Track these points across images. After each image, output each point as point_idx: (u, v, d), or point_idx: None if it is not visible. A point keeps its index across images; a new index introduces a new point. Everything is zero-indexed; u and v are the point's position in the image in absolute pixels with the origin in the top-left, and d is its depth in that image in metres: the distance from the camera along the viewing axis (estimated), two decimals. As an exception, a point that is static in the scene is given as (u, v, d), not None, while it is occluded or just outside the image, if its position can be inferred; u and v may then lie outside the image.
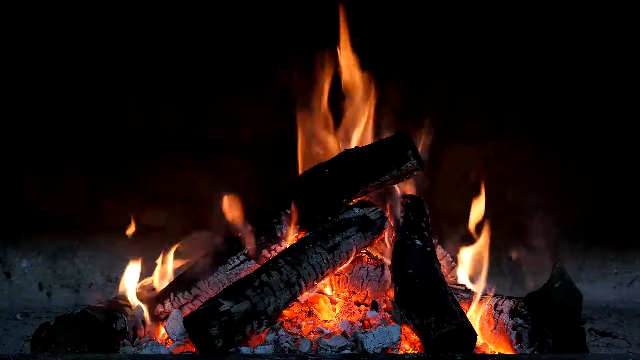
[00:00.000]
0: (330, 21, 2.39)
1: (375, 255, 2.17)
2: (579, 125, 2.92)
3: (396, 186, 2.27)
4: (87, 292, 2.93)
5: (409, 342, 1.84)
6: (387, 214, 2.19)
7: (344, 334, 1.85)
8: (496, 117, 2.93)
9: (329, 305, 2.08)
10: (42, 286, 2.93)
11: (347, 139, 2.33)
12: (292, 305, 1.95)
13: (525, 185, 2.85)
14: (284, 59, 2.58)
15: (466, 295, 2.04)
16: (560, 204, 2.86)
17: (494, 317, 1.88)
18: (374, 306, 2.05)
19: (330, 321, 2.02)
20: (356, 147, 2.15)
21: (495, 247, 2.21)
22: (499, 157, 2.94)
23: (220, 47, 2.82)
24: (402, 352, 1.78)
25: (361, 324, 1.95)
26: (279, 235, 2.08)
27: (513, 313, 1.81)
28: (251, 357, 1.71)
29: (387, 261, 2.12)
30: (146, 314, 2.01)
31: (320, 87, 2.39)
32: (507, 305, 1.86)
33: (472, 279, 2.17)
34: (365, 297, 2.10)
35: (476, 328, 1.84)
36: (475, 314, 1.96)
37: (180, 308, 2.03)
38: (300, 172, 2.27)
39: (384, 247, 2.22)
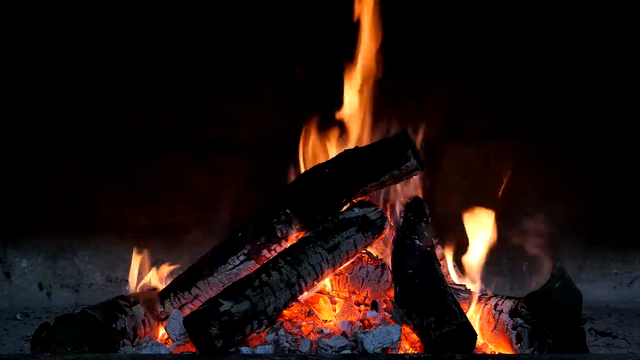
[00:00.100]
0: (330, 21, 2.40)
1: (375, 255, 2.17)
2: (579, 125, 2.92)
3: (396, 186, 2.27)
4: (87, 292, 2.93)
5: (409, 342, 1.84)
6: (387, 214, 2.19)
7: (344, 334, 1.85)
8: (496, 117, 2.93)
9: (329, 305, 2.08)
10: (42, 286, 2.93)
11: (347, 139, 2.33)
12: (292, 305, 1.95)
13: (525, 185, 2.85)
14: (284, 59, 2.58)
15: (466, 295, 2.04)
16: (560, 204, 2.86)
17: (494, 317, 1.88)
18: (374, 306, 2.05)
19: (330, 321, 2.02)
20: (356, 147, 2.15)
21: (495, 247, 2.21)
22: (499, 157, 2.94)
23: (221, 47, 2.82)
24: (402, 352, 1.78)
25: (361, 324, 1.95)
26: (279, 235, 2.08)
27: (513, 313, 1.81)
28: (251, 357, 1.71)
29: (387, 261, 2.12)
30: (146, 314, 2.01)
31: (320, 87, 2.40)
32: (507, 305, 1.86)
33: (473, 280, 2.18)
34: (365, 297, 2.10)
35: (476, 328, 1.84)
36: (475, 314, 1.96)
37: (180, 308, 2.03)
38: (300, 172, 2.27)
39: (384, 247, 2.22)
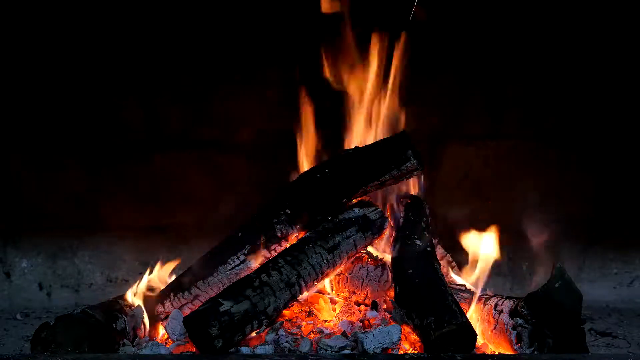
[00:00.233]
0: (330, 21, 2.40)
1: (375, 255, 2.17)
2: (578, 125, 2.92)
3: (396, 186, 2.27)
4: (87, 292, 2.93)
5: (409, 342, 1.84)
6: (387, 214, 2.19)
7: (344, 334, 1.85)
8: (496, 117, 2.93)
9: (329, 305, 2.08)
10: (42, 286, 2.93)
11: (347, 139, 2.34)
12: (292, 305, 1.95)
13: (525, 185, 2.85)
14: (284, 59, 2.58)
15: (466, 295, 2.04)
16: (560, 204, 2.86)
17: (494, 317, 1.88)
18: (374, 306, 2.05)
19: (330, 321, 2.02)
20: (356, 147, 2.15)
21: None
22: (499, 157, 2.94)
23: (221, 48, 2.82)
24: (402, 352, 1.77)
25: (361, 324, 1.95)
26: (279, 235, 2.08)
27: (513, 313, 1.81)
28: (251, 357, 1.71)
29: (387, 261, 2.12)
30: (146, 314, 2.01)
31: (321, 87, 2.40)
32: (507, 305, 1.86)
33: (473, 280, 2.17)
34: (365, 297, 2.10)
35: (476, 328, 1.84)
36: (475, 314, 1.96)
37: (180, 308, 2.03)
38: (300, 171, 2.27)
39: (384, 247, 2.22)
